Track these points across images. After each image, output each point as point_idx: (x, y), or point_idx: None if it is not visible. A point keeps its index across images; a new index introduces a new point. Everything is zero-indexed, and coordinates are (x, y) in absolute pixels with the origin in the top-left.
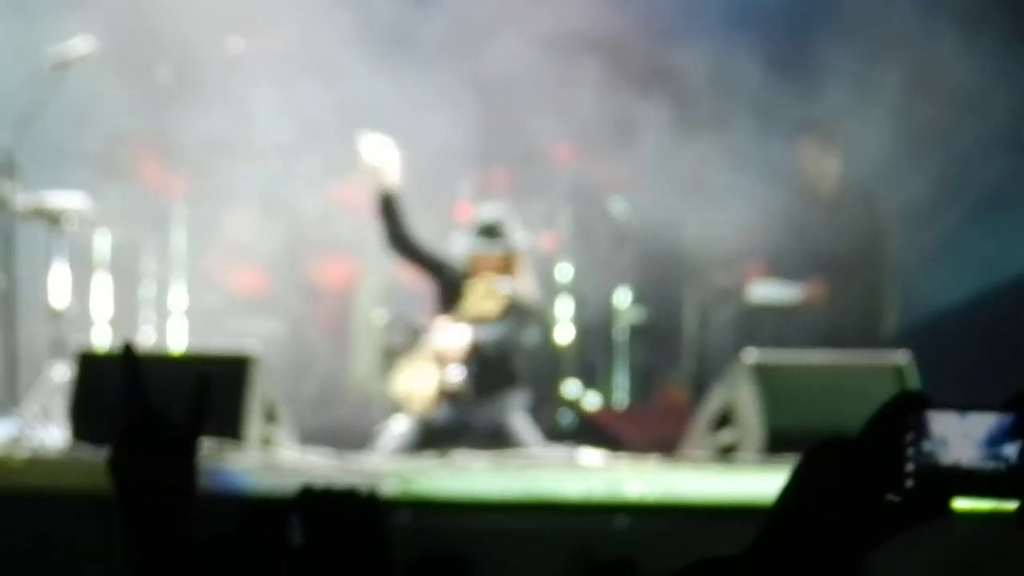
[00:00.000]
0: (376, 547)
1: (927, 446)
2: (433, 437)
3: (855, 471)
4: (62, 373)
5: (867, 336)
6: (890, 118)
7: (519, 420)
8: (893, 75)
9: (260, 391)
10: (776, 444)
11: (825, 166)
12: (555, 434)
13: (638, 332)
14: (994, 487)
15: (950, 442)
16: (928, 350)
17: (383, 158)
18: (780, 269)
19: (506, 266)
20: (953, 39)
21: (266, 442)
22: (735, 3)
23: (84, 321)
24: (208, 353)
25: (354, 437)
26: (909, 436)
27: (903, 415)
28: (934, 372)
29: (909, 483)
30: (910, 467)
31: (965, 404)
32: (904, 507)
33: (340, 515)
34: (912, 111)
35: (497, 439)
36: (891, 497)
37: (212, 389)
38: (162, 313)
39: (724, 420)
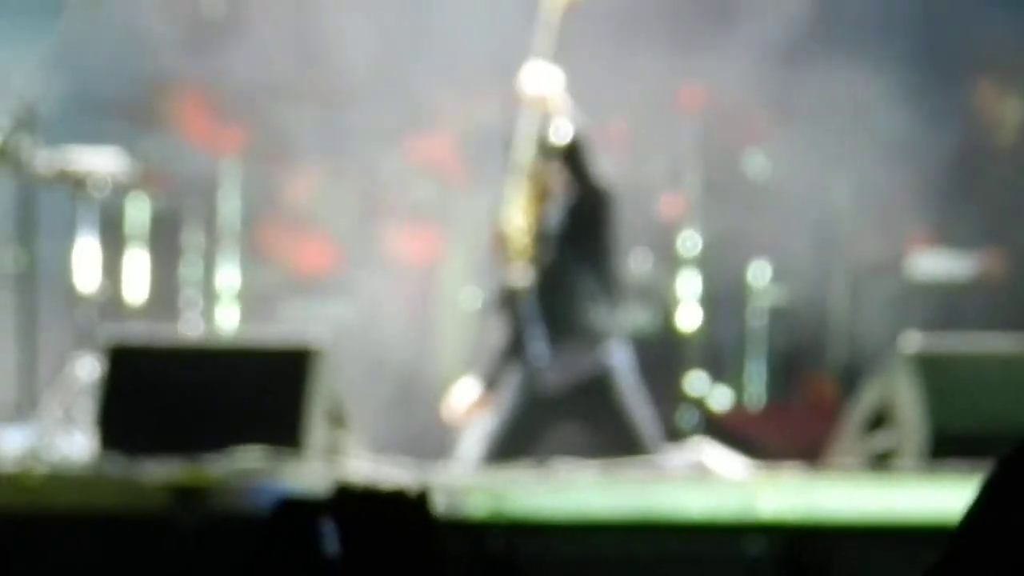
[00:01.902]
0: (426, 555)
1: None
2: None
3: None
4: (89, 369)
5: None
6: None
7: (621, 371)
8: None
9: (325, 389)
10: (942, 449)
11: (1005, 110)
12: (677, 437)
13: (778, 315)
14: None
15: None
16: None
17: (550, 89)
18: (950, 236)
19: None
20: None
21: (331, 451)
22: None
23: (116, 307)
24: (263, 344)
25: (436, 444)
26: None
27: None
28: None
29: None
30: None
31: None
32: None
33: (382, 520)
34: None
35: (593, 386)
36: None
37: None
38: (209, 296)
39: (880, 420)
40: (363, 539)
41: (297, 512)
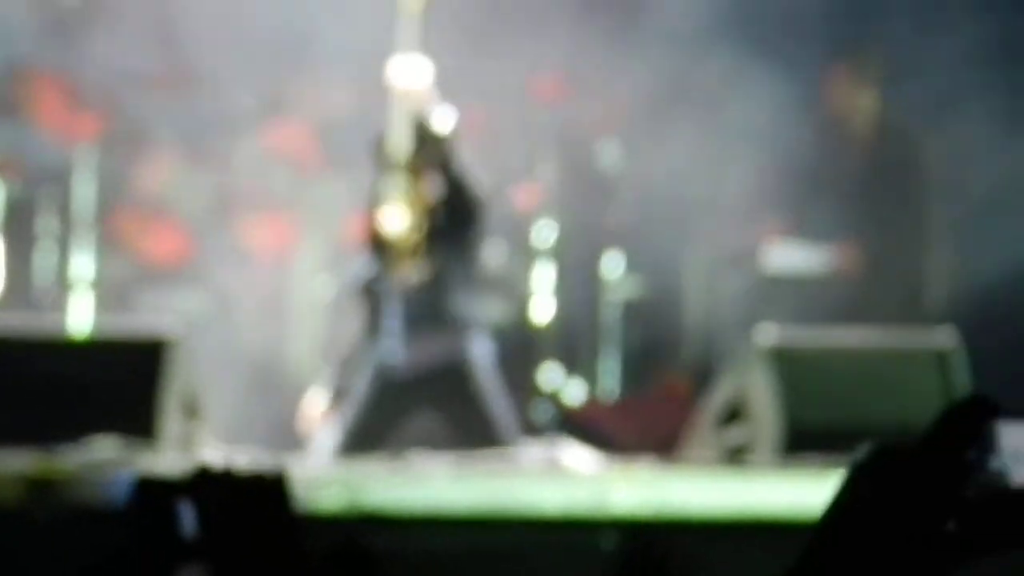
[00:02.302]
0: (284, 540)
1: (995, 463)
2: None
3: (911, 491)
4: None
5: (909, 310)
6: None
7: (481, 363)
8: None
9: (179, 380)
10: (797, 443)
11: (859, 101)
12: (531, 431)
13: (631, 307)
14: None
15: (1014, 456)
16: (981, 326)
17: (418, 80)
18: (805, 228)
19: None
20: None
21: (186, 442)
22: None
23: None
24: (117, 335)
25: (291, 435)
26: (972, 452)
27: (973, 426)
28: (989, 354)
29: (973, 507)
30: (972, 489)
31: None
32: (968, 535)
33: (241, 501)
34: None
35: (453, 376)
36: (952, 524)
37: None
38: (63, 285)
39: (734, 414)
40: (222, 520)
41: (154, 492)
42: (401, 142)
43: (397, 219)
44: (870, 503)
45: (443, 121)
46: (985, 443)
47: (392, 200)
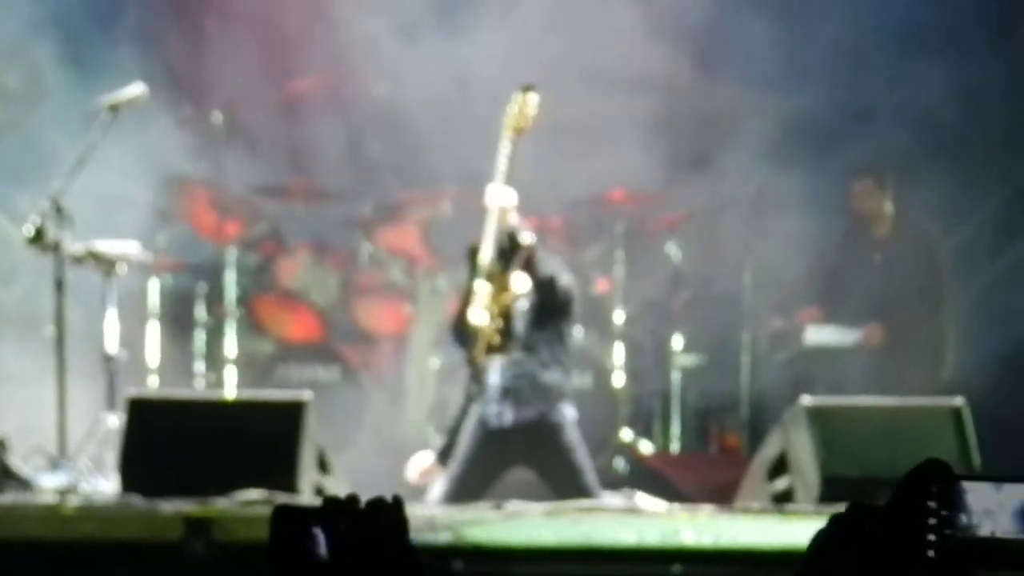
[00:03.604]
0: (404, 558)
1: (961, 518)
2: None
3: (878, 540)
4: (114, 422)
5: (926, 380)
6: (944, 159)
7: (569, 425)
8: (947, 116)
9: (312, 438)
10: (831, 492)
11: (879, 207)
12: (611, 481)
13: (693, 377)
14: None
15: (982, 513)
16: (984, 395)
17: (505, 201)
18: (836, 312)
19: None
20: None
21: (318, 492)
22: (790, 43)
23: (138, 369)
24: (260, 399)
25: (407, 487)
26: (933, 505)
27: (928, 483)
28: (993, 418)
29: (931, 553)
30: (932, 537)
31: (1001, 474)
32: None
33: (365, 524)
34: (966, 151)
35: (546, 434)
36: (915, 569)
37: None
38: (215, 361)
39: (780, 467)
40: (349, 543)
41: (291, 517)
42: (489, 253)
43: (482, 316)
44: (842, 549)
45: (524, 235)
46: (953, 502)
47: (480, 300)
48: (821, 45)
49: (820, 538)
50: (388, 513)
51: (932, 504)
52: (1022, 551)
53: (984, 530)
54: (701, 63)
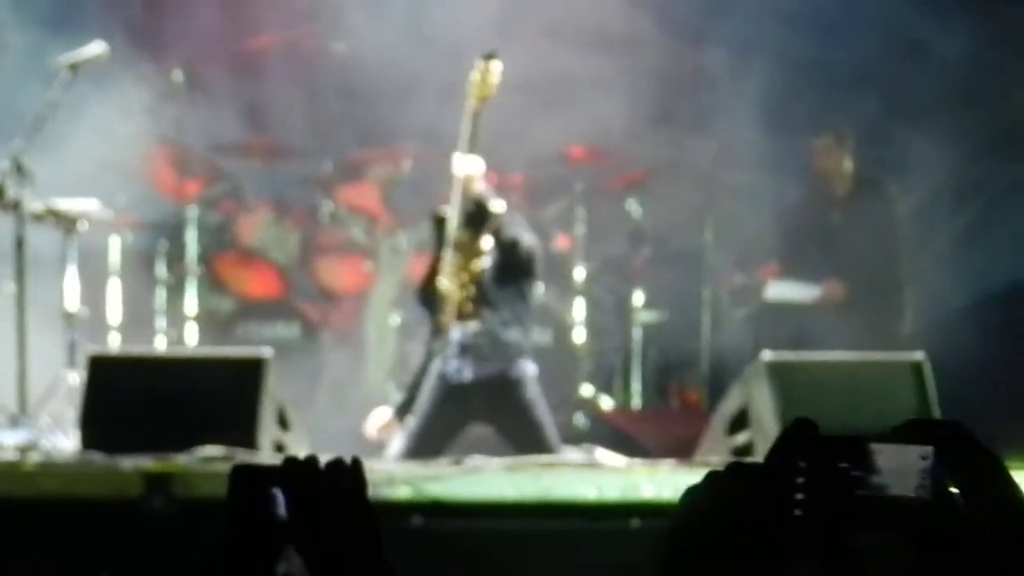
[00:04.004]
0: (363, 518)
1: (876, 480)
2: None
3: (747, 500)
4: (74, 379)
5: (886, 336)
6: (903, 117)
7: (530, 381)
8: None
9: (272, 395)
10: None
11: (839, 164)
12: (571, 436)
13: (654, 333)
14: (899, 519)
15: (893, 473)
16: (944, 350)
17: (471, 170)
18: (796, 269)
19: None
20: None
21: (278, 448)
22: (750, 3)
23: (98, 327)
24: (221, 356)
25: (366, 443)
26: (802, 464)
27: (796, 442)
28: (951, 372)
29: (797, 512)
30: (800, 496)
31: (879, 435)
32: (796, 538)
33: (324, 484)
34: (925, 108)
35: (506, 390)
36: (782, 530)
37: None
38: (176, 318)
39: (741, 422)
40: (308, 501)
41: (250, 476)
42: (457, 221)
43: (452, 284)
44: (709, 508)
45: (494, 203)
46: (866, 462)
47: (448, 268)
48: (781, 5)
49: (690, 495)
50: (347, 474)
51: (801, 464)
52: (907, 509)
53: (896, 490)
54: (662, 21)
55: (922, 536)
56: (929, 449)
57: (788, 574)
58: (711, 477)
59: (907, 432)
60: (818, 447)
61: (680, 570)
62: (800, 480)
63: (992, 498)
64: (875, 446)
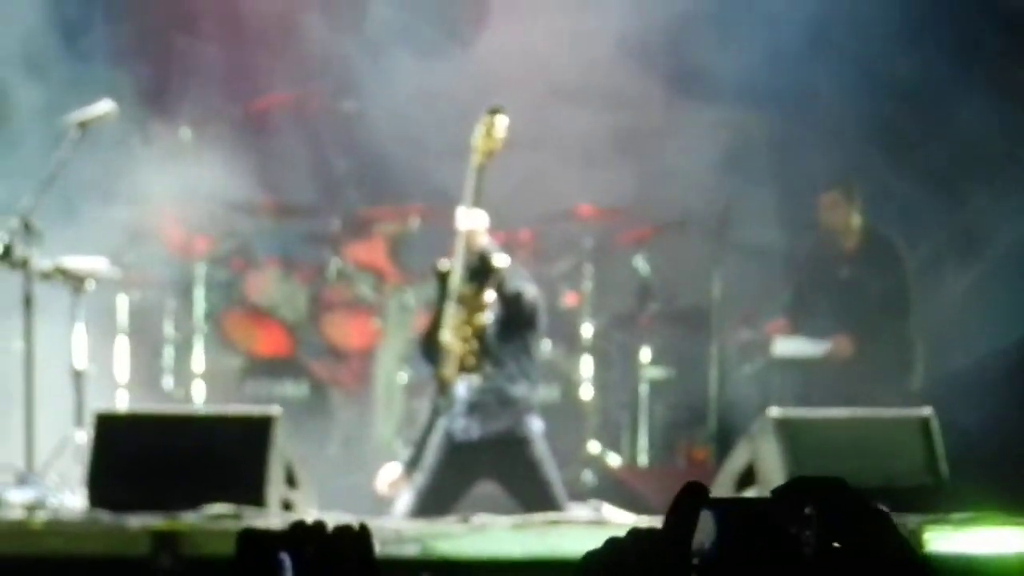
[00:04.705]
0: None
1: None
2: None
3: (642, 562)
4: (82, 438)
5: (895, 392)
6: (911, 173)
7: (537, 438)
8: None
9: (281, 453)
10: None
11: (847, 219)
12: (579, 493)
13: (661, 389)
14: None
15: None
16: (955, 404)
17: (475, 224)
18: (804, 325)
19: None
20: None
21: (286, 506)
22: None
23: (106, 385)
24: (229, 414)
25: (375, 501)
26: (698, 529)
27: (690, 506)
28: (961, 427)
29: None
30: (695, 561)
31: (762, 499)
32: None
33: (331, 550)
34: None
35: (513, 448)
36: None
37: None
38: (184, 376)
39: (748, 478)
40: (315, 569)
41: (257, 541)
42: (461, 275)
43: (454, 338)
44: (610, 569)
45: (498, 257)
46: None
47: (451, 322)
48: (787, 61)
49: (588, 558)
50: (354, 539)
51: (695, 529)
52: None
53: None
54: (667, 80)
55: None
56: (812, 507)
57: None
58: (610, 541)
59: (791, 490)
60: (715, 510)
61: None
62: (697, 546)
63: (877, 548)
64: (763, 506)
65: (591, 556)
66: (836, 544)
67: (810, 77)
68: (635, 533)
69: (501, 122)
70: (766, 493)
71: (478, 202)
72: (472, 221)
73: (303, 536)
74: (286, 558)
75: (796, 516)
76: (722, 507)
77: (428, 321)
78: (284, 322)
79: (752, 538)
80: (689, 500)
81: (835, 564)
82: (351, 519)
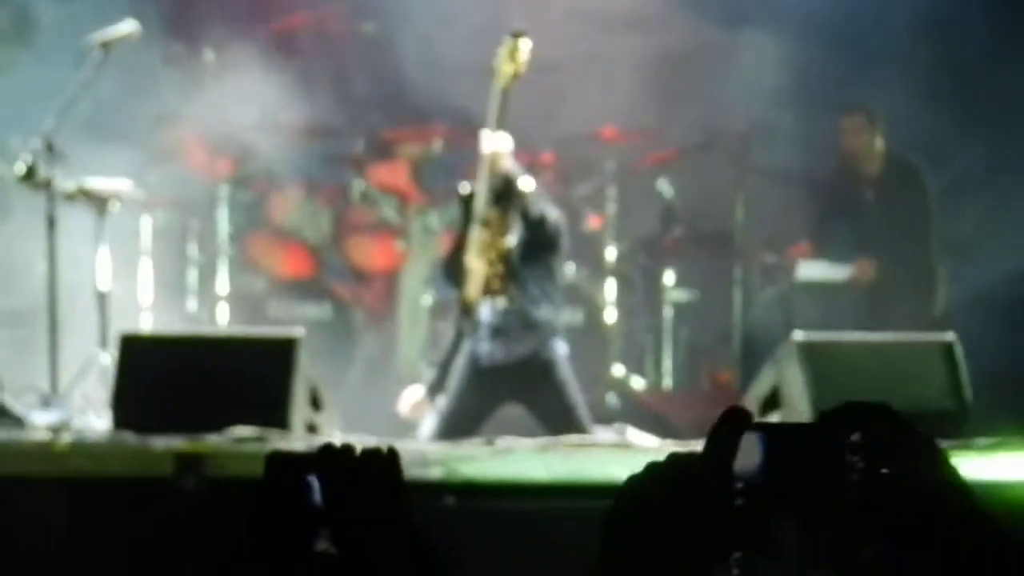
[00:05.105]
0: (398, 504)
1: (885, 467)
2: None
3: (688, 487)
4: (106, 359)
5: (918, 315)
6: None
7: (561, 361)
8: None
9: (304, 375)
10: None
11: (869, 143)
12: (603, 416)
13: (685, 313)
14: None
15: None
16: (977, 328)
17: (500, 147)
18: (826, 248)
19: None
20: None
21: (310, 428)
22: None
23: (130, 307)
24: (252, 335)
25: (399, 423)
26: (856, 457)
27: (732, 431)
28: (982, 351)
29: (739, 501)
30: (739, 485)
31: (803, 424)
32: (734, 526)
33: (360, 472)
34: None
35: (538, 371)
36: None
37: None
38: (208, 297)
39: (772, 402)
40: (343, 490)
41: (285, 464)
42: (485, 198)
43: (478, 261)
44: (647, 495)
45: (522, 180)
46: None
47: (475, 245)
48: None
49: (630, 482)
50: (383, 462)
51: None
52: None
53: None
54: (690, 3)
55: (858, 515)
56: (858, 433)
57: (716, 562)
58: (650, 466)
59: (838, 416)
60: (760, 434)
61: (615, 556)
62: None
63: (923, 475)
64: (810, 431)
65: (632, 480)
66: (883, 470)
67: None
68: (675, 457)
69: (524, 45)
70: (791, 417)
71: (502, 125)
72: (496, 144)
73: (331, 459)
74: (314, 481)
75: (843, 441)
76: (767, 431)
77: (452, 243)
78: (307, 244)
79: (798, 463)
80: (731, 425)
81: (882, 489)
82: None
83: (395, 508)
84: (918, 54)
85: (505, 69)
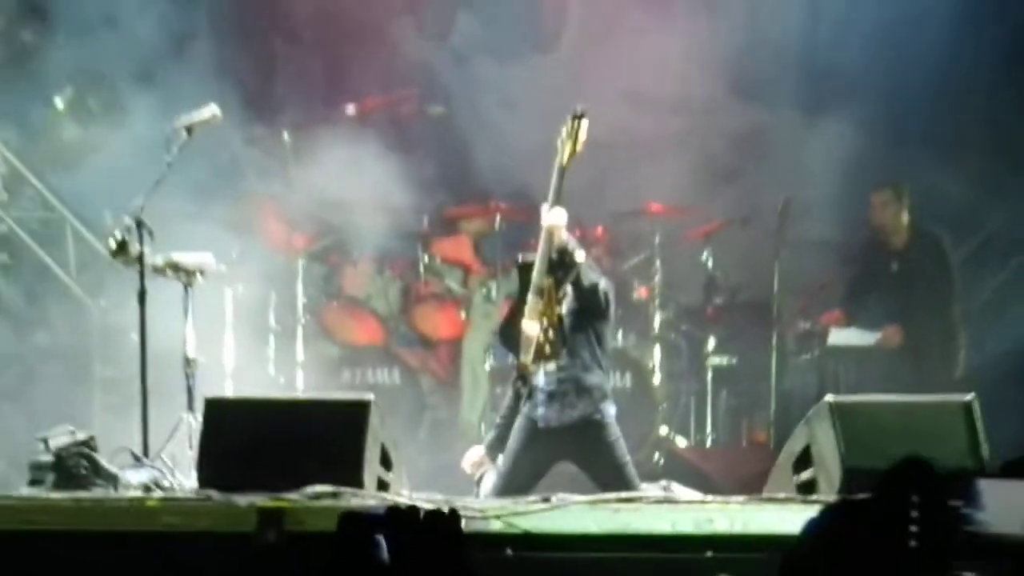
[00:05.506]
0: (457, 559)
1: (979, 516)
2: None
3: (863, 530)
4: (193, 422)
5: (941, 378)
6: (957, 173)
7: (611, 422)
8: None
9: (376, 437)
10: (852, 483)
11: (897, 217)
12: (650, 473)
13: (725, 376)
14: (1003, 554)
15: (972, 509)
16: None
17: (557, 220)
18: (857, 316)
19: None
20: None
21: (381, 485)
22: (818, 67)
23: (215, 372)
24: (327, 399)
25: (463, 479)
26: (915, 500)
27: (908, 479)
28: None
29: (913, 543)
30: (914, 528)
31: (985, 472)
32: (908, 566)
33: (424, 532)
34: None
35: (590, 432)
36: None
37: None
38: (286, 364)
39: (805, 460)
40: (409, 548)
41: (356, 523)
42: (542, 267)
43: (534, 326)
44: (830, 537)
45: (577, 252)
46: (972, 498)
47: (531, 312)
48: (841, 74)
49: (811, 526)
50: (445, 522)
51: (914, 499)
52: (1010, 546)
53: (999, 527)
54: (733, 86)
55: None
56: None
57: None
58: (828, 510)
59: (1016, 468)
60: (930, 484)
61: None
62: (915, 514)
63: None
64: (983, 483)
65: (812, 523)
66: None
67: (864, 82)
68: (851, 504)
69: (584, 125)
70: (821, 474)
71: (560, 200)
72: (554, 218)
73: (398, 519)
74: (382, 539)
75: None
76: (941, 481)
77: (508, 311)
78: (377, 314)
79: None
80: (909, 473)
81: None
82: (440, 498)
83: (455, 563)
84: (947, 131)
85: (566, 147)
